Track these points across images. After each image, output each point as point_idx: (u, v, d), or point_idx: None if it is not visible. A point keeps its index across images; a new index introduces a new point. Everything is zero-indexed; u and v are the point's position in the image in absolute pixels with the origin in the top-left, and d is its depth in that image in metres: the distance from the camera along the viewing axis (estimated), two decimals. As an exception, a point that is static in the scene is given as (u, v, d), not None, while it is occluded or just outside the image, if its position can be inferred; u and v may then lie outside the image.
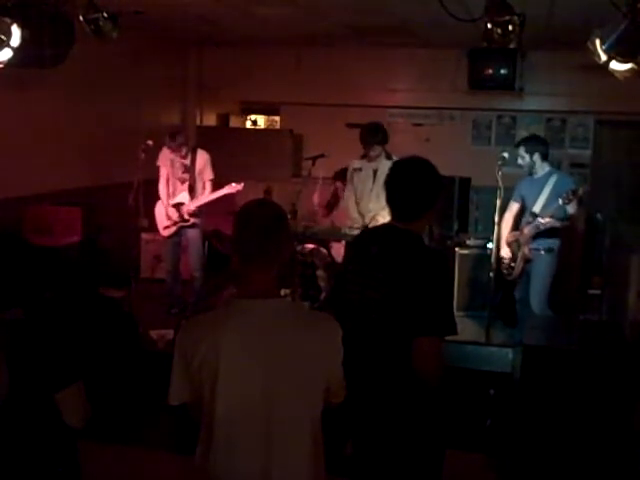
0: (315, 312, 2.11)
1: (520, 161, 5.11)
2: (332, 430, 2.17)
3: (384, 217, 5.37)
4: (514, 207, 5.23)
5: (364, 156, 5.58)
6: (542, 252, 5.01)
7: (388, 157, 5.49)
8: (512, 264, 5.19)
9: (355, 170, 5.69)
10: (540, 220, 4.85)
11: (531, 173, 5.10)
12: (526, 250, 5.03)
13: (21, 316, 2.04)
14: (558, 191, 4.84)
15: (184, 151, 5.79)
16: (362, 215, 5.63)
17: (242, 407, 1.87)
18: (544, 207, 4.93)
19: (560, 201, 4.68)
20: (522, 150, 5.06)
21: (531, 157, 5.03)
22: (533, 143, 5.11)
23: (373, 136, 5.42)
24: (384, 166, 5.40)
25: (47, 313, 2.17)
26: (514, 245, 5.15)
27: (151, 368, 4.41)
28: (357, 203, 5.68)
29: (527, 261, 5.07)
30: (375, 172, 5.53)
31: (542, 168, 5.07)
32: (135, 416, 4.30)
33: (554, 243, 5.04)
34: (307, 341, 1.92)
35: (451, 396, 2.51)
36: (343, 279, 2.59)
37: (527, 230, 5.00)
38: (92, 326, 4.54)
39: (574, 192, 4.66)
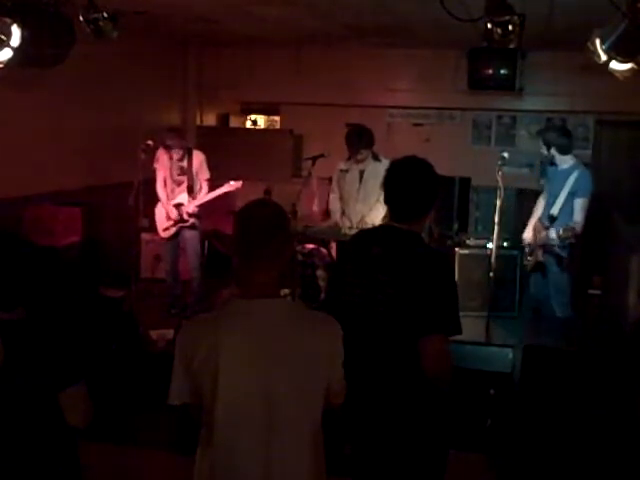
0: (315, 312, 2.10)
1: (541, 150, 4.97)
2: (332, 430, 2.17)
3: (371, 218, 5.42)
4: (541, 202, 5.13)
5: (350, 157, 5.60)
6: (557, 248, 4.82)
7: (375, 158, 5.53)
8: (529, 257, 5.14)
9: (342, 172, 5.71)
10: (552, 235, 4.68)
11: (553, 163, 4.96)
12: (540, 254, 4.95)
13: (23, 316, 2.04)
14: (575, 191, 4.72)
15: (180, 153, 5.79)
16: (349, 217, 5.66)
17: (242, 407, 1.87)
18: (561, 210, 4.78)
19: (554, 234, 4.62)
20: (541, 141, 4.92)
21: (548, 150, 4.88)
22: (551, 136, 4.91)
23: (359, 141, 5.44)
24: (372, 167, 5.47)
25: (49, 313, 2.17)
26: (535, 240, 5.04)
27: (151, 368, 4.41)
28: (343, 205, 5.71)
29: (537, 262, 5.01)
30: (362, 173, 5.56)
31: (564, 161, 4.88)
32: (135, 416, 4.30)
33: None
34: (307, 341, 1.92)
35: (452, 396, 2.51)
36: (340, 280, 2.57)
37: (544, 235, 4.85)
38: (92, 326, 4.55)
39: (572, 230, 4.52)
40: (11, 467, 2.00)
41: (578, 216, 4.71)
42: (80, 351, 2.13)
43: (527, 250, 5.19)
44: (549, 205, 4.93)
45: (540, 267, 5.06)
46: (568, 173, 4.82)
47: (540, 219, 5.04)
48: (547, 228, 4.82)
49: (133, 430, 4.19)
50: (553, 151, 4.87)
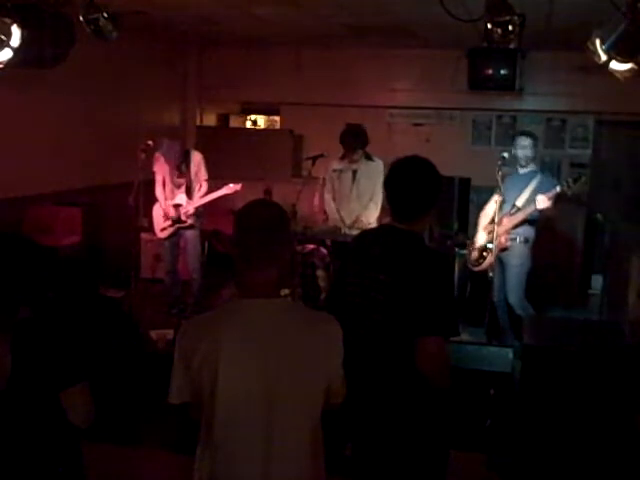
0: (316, 312, 2.10)
1: (520, 151, 5.14)
2: (332, 430, 2.17)
3: (366, 217, 5.44)
4: (498, 199, 5.15)
5: (343, 157, 5.61)
6: (518, 242, 5.13)
7: (368, 157, 5.56)
8: (484, 253, 5.25)
9: (335, 171, 5.72)
10: (541, 205, 4.87)
11: (521, 165, 5.21)
12: (503, 239, 5.11)
13: (29, 315, 2.05)
14: (540, 190, 4.96)
15: (179, 160, 5.78)
16: (342, 218, 5.67)
17: (242, 407, 1.87)
18: (527, 201, 5.03)
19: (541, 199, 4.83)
20: (529, 141, 5.15)
21: (533, 150, 5.18)
22: (536, 139, 5.29)
23: (355, 140, 5.46)
24: (364, 166, 5.54)
25: (53, 312, 2.17)
26: (489, 237, 5.21)
27: (151, 368, 4.41)
28: (337, 205, 5.72)
29: (501, 250, 5.15)
30: (354, 173, 5.58)
31: (531, 165, 5.22)
32: (135, 416, 4.30)
33: (531, 233, 5.17)
34: (308, 341, 1.92)
35: (452, 396, 2.51)
36: (341, 280, 2.58)
37: (507, 220, 5.09)
38: (92, 326, 4.54)
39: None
40: (13, 467, 2.00)
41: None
42: (81, 351, 2.13)
43: (475, 251, 5.32)
44: (507, 205, 5.14)
45: (501, 261, 5.24)
46: (530, 177, 5.15)
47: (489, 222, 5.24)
48: (511, 214, 5.09)
49: (133, 430, 4.19)
50: (535, 151, 5.22)
